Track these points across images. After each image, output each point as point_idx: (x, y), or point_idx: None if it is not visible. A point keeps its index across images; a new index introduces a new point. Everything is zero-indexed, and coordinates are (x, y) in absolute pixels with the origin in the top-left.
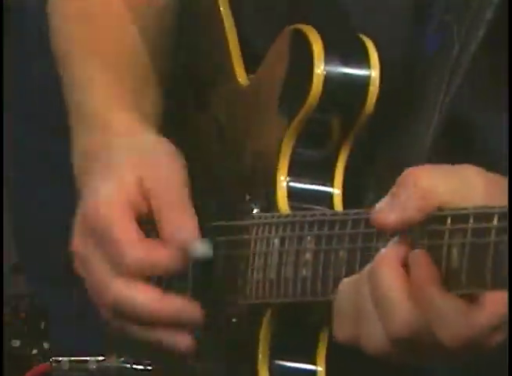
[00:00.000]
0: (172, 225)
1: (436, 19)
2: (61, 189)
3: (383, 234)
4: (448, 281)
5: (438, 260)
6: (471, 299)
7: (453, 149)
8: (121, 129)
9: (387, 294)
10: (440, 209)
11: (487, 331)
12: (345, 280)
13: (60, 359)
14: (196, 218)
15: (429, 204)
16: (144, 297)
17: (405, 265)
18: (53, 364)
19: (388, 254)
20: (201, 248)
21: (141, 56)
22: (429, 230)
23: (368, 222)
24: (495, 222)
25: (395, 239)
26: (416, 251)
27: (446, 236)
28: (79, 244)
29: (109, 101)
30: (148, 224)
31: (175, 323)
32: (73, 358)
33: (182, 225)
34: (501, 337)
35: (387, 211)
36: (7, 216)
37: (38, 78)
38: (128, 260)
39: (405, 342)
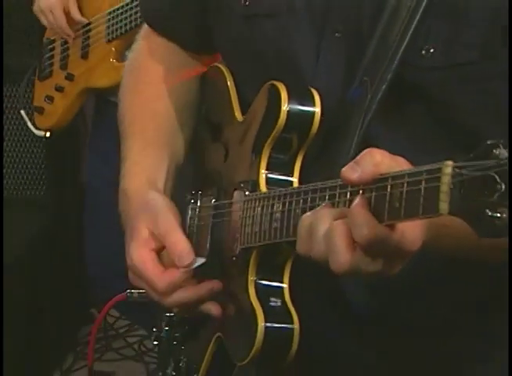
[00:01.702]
0: (176, 255)
1: (358, 80)
2: None
3: (323, 198)
4: (389, 215)
5: (382, 203)
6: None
7: None
8: (140, 198)
9: (330, 234)
10: (382, 174)
11: (402, 253)
12: (304, 215)
13: (132, 291)
14: (187, 242)
15: (379, 170)
16: (178, 298)
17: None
18: (127, 294)
19: (325, 211)
20: (197, 263)
21: (176, 127)
22: (376, 186)
23: (314, 192)
24: (424, 175)
25: (327, 202)
26: (358, 196)
27: (388, 188)
28: (130, 275)
29: (137, 179)
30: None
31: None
32: (139, 290)
33: (182, 254)
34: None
35: (352, 171)
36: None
37: None
38: (159, 287)
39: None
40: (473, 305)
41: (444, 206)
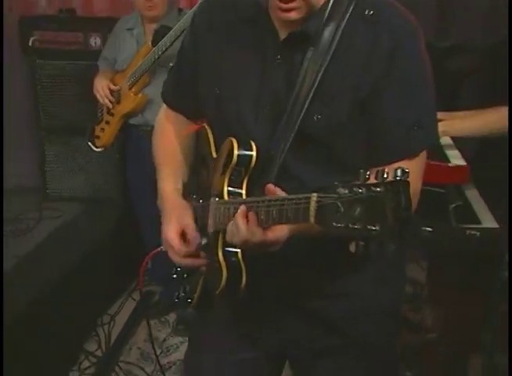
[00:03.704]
0: (191, 237)
1: (277, 135)
2: None
3: (255, 207)
4: (285, 220)
5: (283, 213)
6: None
7: (282, 178)
8: (170, 207)
9: (237, 225)
10: (284, 197)
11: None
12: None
13: (162, 248)
14: (197, 232)
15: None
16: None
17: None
18: (161, 249)
19: (240, 212)
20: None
21: (180, 161)
22: (279, 203)
23: (251, 202)
24: (303, 200)
25: (243, 206)
26: (251, 211)
27: (285, 205)
28: (163, 243)
29: (166, 194)
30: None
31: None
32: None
33: (193, 238)
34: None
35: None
36: None
37: None
38: (180, 253)
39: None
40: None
41: (312, 219)
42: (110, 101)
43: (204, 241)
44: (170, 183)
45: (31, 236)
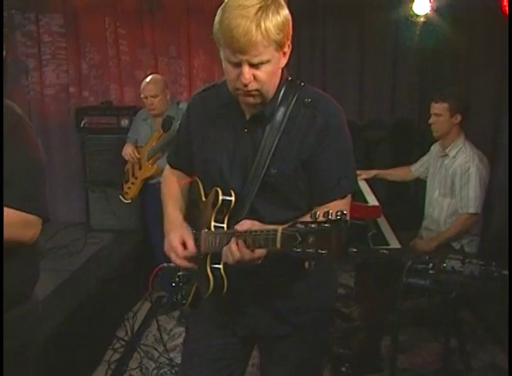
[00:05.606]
0: (188, 246)
1: (247, 183)
2: None
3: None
4: (259, 245)
5: (258, 240)
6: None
7: (250, 214)
8: (175, 224)
9: (232, 250)
10: (260, 229)
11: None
12: (226, 246)
13: (165, 264)
14: (194, 243)
15: (245, 227)
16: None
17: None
18: (165, 265)
19: (233, 240)
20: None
21: (180, 198)
22: (255, 234)
23: (231, 234)
24: (271, 232)
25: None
26: (240, 239)
27: (258, 235)
28: (166, 247)
29: (172, 216)
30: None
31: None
32: (170, 264)
33: (191, 246)
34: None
35: (239, 226)
36: None
37: None
38: (180, 254)
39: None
40: (288, 265)
41: (278, 245)
42: (134, 164)
43: (195, 256)
44: (173, 210)
45: (80, 256)
